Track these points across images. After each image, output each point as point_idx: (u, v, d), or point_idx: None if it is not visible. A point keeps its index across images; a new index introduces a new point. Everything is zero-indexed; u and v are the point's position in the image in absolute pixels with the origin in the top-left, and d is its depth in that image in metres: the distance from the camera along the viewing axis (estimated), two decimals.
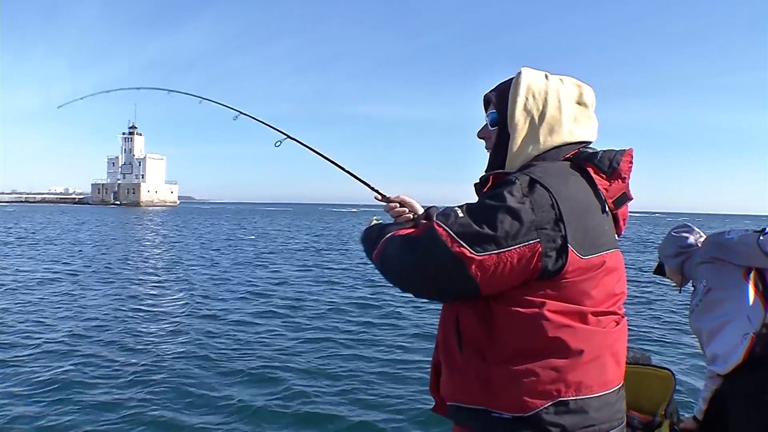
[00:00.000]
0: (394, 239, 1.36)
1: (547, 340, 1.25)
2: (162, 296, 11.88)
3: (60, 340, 7.81)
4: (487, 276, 1.21)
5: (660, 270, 3.00)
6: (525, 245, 1.20)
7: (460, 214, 1.24)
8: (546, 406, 1.24)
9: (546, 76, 1.44)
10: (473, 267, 1.20)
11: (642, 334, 8.68)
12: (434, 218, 1.28)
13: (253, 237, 33.27)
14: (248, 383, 6.16)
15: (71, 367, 6.49)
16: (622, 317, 1.39)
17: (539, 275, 1.24)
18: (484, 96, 1.52)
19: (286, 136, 1.81)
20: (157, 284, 13.68)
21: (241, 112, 1.94)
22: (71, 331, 8.35)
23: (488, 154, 1.52)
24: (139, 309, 10.32)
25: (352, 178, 1.67)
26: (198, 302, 11.19)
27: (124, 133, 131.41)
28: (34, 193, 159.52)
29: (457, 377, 1.36)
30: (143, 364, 6.72)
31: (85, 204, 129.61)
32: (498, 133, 1.47)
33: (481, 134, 1.53)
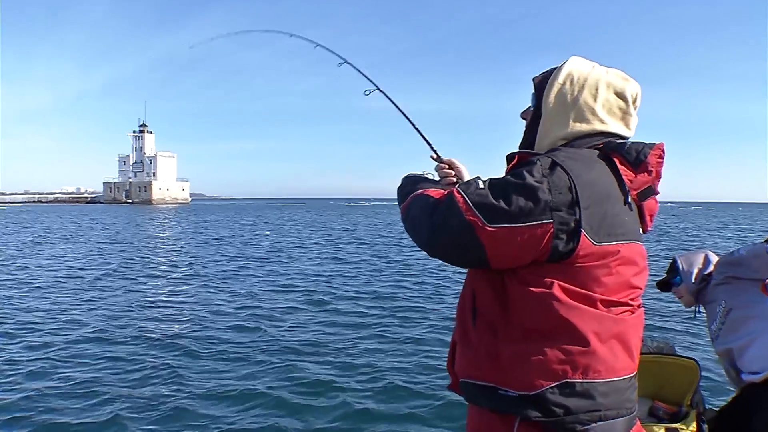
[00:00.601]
0: (420, 198, 1.41)
1: (557, 321, 1.27)
2: (187, 292, 12.02)
3: (90, 335, 7.96)
4: (496, 248, 1.25)
5: (665, 285, 2.94)
6: (537, 224, 1.23)
7: (480, 186, 1.29)
8: (552, 386, 1.25)
9: (593, 66, 1.48)
10: (483, 237, 1.24)
11: (664, 321, 8.61)
12: (456, 186, 1.33)
13: (268, 233, 33.40)
14: (275, 366, 6.44)
15: (101, 362, 6.62)
16: (638, 308, 1.39)
17: (549, 256, 1.26)
18: (533, 78, 1.57)
19: (376, 88, 2.04)
20: (182, 280, 13.86)
21: (345, 61, 2.21)
22: (99, 327, 8.48)
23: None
24: (166, 304, 10.52)
25: (419, 135, 1.86)
26: (226, 296, 11.38)
27: (134, 132, 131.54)
28: (46, 193, 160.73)
29: (469, 353, 1.39)
30: (172, 356, 6.90)
31: (97, 203, 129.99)
32: (532, 113, 1.53)
33: (523, 114, 1.59)
